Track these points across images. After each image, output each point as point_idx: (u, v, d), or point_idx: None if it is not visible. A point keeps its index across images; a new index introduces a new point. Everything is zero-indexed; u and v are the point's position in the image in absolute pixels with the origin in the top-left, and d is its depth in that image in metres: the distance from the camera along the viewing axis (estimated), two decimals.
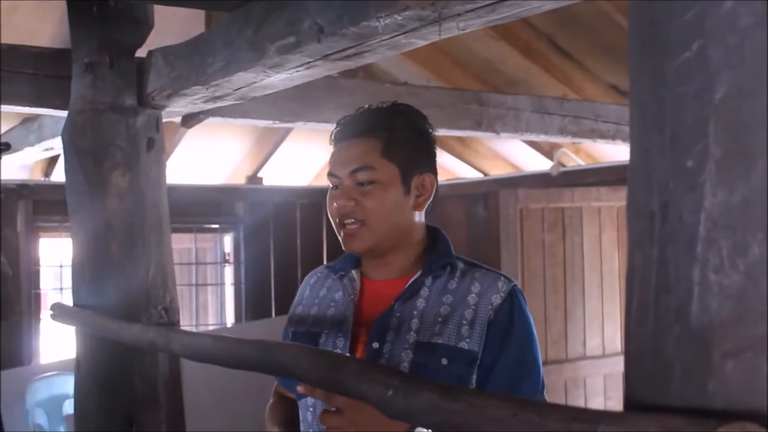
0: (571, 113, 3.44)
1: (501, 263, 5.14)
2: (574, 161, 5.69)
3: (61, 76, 2.22)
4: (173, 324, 2.02)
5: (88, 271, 2.06)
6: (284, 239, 6.45)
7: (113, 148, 2.05)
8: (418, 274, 1.79)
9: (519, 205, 5.21)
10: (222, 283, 6.56)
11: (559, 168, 5.57)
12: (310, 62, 1.54)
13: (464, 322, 1.71)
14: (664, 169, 0.69)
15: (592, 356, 5.27)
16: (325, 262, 7.20)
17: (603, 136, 3.56)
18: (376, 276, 1.85)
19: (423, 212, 1.84)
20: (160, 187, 2.12)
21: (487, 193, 6.13)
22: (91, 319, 1.94)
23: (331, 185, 1.82)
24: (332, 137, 1.86)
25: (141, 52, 2.14)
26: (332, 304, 1.85)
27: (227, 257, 6.62)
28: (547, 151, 5.67)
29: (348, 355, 1.78)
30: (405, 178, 1.78)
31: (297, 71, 1.62)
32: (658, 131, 0.70)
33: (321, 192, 6.61)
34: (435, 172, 1.84)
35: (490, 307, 1.72)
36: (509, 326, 1.71)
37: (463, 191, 6.30)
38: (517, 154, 6.09)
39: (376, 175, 1.76)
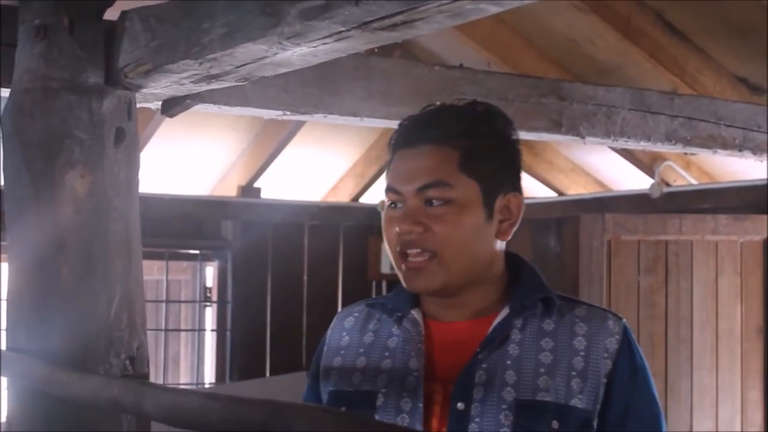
0: (683, 113, 3.42)
1: None
2: (684, 179, 5.66)
3: (1, 42, 2.24)
4: (142, 378, 2.02)
5: (30, 305, 2.07)
6: (287, 272, 6.46)
7: (70, 140, 2.06)
8: (505, 313, 1.85)
9: (606, 236, 5.20)
10: (201, 329, 6.58)
11: (662, 188, 5.55)
12: (342, 32, 1.55)
13: (573, 373, 1.79)
14: None
15: None
16: (340, 304, 7.23)
17: (725, 145, 3.53)
18: (444, 317, 1.91)
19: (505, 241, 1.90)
20: (131, 195, 2.13)
21: (563, 219, 6.12)
22: (32, 367, 1.94)
23: (387, 203, 1.88)
24: (392, 142, 1.93)
25: (111, 14, 2.16)
26: (387, 354, 1.90)
27: (209, 294, 6.64)
28: (647, 164, 5.65)
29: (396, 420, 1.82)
30: (487, 199, 1.85)
31: (324, 44, 1.63)
32: None
33: (337, 210, 6.64)
34: (521, 192, 1.93)
35: (605, 354, 1.80)
36: (632, 376, 1.81)
37: (530, 216, 6.25)
38: (607, 168, 6.08)
39: (452, 193, 1.83)
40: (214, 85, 2.05)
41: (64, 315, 2.04)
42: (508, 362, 1.81)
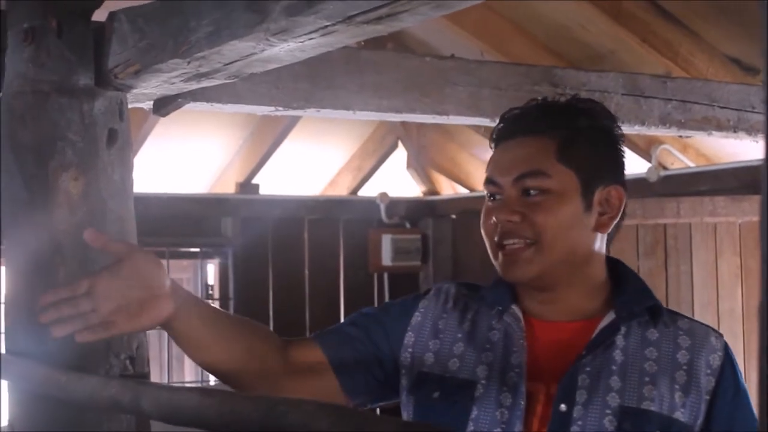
0: (676, 96, 3.42)
1: None
2: (681, 162, 5.66)
3: None
4: (142, 378, 2.03)
5: (28, 308, 2.07)
6: (288, 267, 6.47)
7: (62, 142, 2.07)
8: (611, 317, 1.84)
9: None
10: None
11: (659, 171, 5.54)
12: (327, 26, 1.55)
13: (676, 386, 1.79)
14: None
15: None
16: (342, 297, 7.23)
17: (720, 126, 3.53)
18: (545, 316, 1.90)
19: (605, 238, 1.90)
20: (125, 195, 2.13)
21: None
22: (31, 370, 1.95)
23: (487, 195, 1.88)
24: (493, 136, 1.94)
25: (99, 15, 2.16)
26: (488, 346, 1.89)
27: (211, 292, 6.65)
28: (644, 148, 5.65)
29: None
30: (585, 190, 1.85)
31: (310, 39, 1.63)
32: None
33: (336, 204, 6.65)
34: (624, 185, 1.93)
35: (708, 371, 1.80)
36: (735, 396, 1.81)
37: None
38: None
39: (550, 182, 1.83)
40: (205, 83, 2.06)
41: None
42: (613, 368, 1.80)
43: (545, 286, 1.86)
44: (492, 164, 1.90)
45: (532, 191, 1.82)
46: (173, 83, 2.06)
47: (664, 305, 1.90)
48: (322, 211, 6.59)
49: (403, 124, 6.19)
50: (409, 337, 1.97)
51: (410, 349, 1.96)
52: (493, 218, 1.83)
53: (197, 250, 6.53)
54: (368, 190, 6.81)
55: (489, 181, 1.88)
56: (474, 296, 1.98)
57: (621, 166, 1.97)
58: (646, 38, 4.67)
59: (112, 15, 2.09)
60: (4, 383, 2.12)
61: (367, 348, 1.97)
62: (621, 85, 3.33)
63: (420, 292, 2.06)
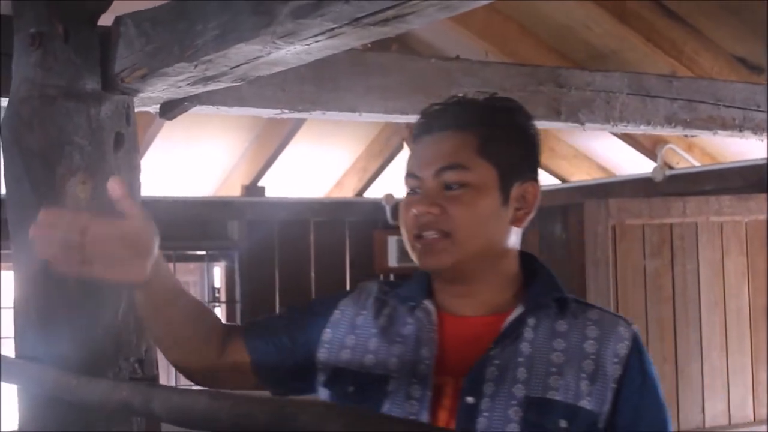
0: (682, 95, 3.42)
1: (587, 299, 5.13)
2: (686, 161, 5.66)
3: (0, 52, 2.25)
4: (151, 380, 2.03)
5: (37, 312, 2.08)
6: (294, 269, 6.47)
7: (70, 147, 2.08)
8: (520, 311, 1.87)
9: (611, 222, 5.19)
10: None
11: (665, 171, 5.54)
12: (334, 29, 1.56)
13: (583, 375, 1.81)
14: None
15: (714, 427, 5.23)
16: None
17: (725, 125, 3.54)
18: (457, 310, 1.92)
19: (519, 233, 1.92)
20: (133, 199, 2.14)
21: (567, 206, 6.11)
22: (42, 373, 1.96)
23: (408, 190, 1.92)
24: (414, 132, 1.96)
25: (106, 19, 2.16)
26: (399, 339, 1.92)
27: (217, 294, 6.66)
28: (649, 148, 5.65)
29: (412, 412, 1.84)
30: (503, 185, 1.88)
31: (316, 41, 1.64)
32: None
33: (342, 205, 6.65)
34: (538, 183, 1.95)
35: (615, 359, 1.82)
36: (642, 384, 1.82)
37: None
38: (608, 153, 6.08)
39: (470, 176, 1.85)
40: (211, 87, 2.06)
41: (72, 320, 2.05)
42: (520, 359, 1.82)
43: (460, 278, 1.89)
44: (412, 158, 1.92)
45: (453, 185, 1.84)
46: (179, 87, 2.06)
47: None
48: (328, 213, 6.60)
49: (409, 125, 6.19)
50: (326, 334, 2.00)
51: (327, 345, 1.99)
52: (413, 210, 1.85)
53: (203, 253, 6.55)
54: (374, 192, 6.81)
55: (410, 176, 1.90)
56: (392, 293, 2.01)
57: (536, 164, 1.97)
58: (651, 38, 4.67)
59: (118, 19, 2.10)
60: (14, 387, 2.12)
61: (284, 343, 2.01)
62: (626, 85, 3.33)
63: (346, 291, 2.10)
